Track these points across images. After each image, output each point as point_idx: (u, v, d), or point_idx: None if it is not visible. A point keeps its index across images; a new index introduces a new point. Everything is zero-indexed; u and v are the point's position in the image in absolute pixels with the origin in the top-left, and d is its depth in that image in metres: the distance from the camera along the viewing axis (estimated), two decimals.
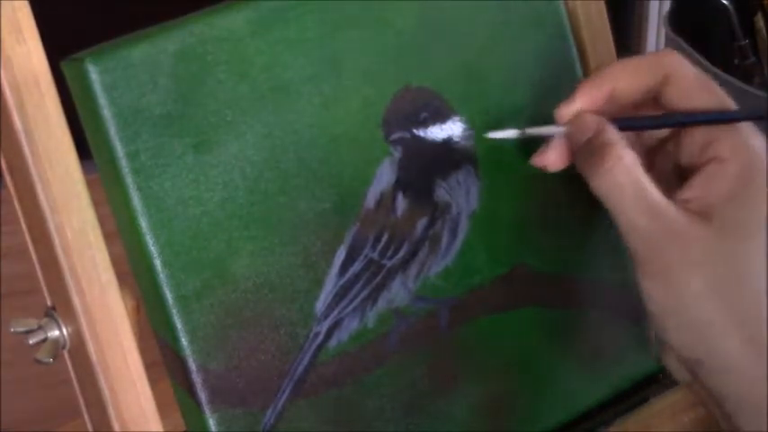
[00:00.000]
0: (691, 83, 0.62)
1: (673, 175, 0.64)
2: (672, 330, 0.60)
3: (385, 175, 0.65)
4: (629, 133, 0.63)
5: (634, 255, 0.60)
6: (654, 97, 0.63)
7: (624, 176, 0.59)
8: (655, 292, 0.60)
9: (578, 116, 0.62)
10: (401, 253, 0.65)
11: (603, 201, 0.60)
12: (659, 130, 0.64)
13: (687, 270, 0.58)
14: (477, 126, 0.67)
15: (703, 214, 0.59)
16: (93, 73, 0.58)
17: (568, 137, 0.62)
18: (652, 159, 0.65)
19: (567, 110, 0.63)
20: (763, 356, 0.58)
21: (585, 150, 0.61)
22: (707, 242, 0.58)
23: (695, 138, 0.62)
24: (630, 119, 0.63)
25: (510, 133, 0.65)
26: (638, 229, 0.59)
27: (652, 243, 0.59)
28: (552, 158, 0.63)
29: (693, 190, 0.60)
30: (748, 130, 0.61)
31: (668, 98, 0.62)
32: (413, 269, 0.66)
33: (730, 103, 0.62)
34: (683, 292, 0.59)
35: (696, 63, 0.98)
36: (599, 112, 0.62)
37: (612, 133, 0.60)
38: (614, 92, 0.63)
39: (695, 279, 0.58)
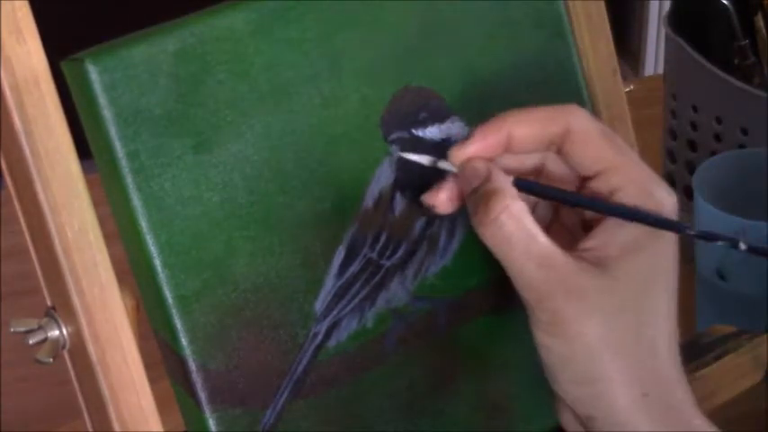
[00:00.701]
0: (591, 137, 0.60)
1: (578, 227, 0.62)
2: (565, 383, 0.59)
3: (384, 175, 0.65)
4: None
5: (526, 305, 0.59)
6: (556, 149, 0.61)
7: (512, 226, 0.57)
8: (548, 343, 0.58)
9: (469, 161, 0.60)
10: (399, 253, 0.65)
11: (492, 250, 0.58)
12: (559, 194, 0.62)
13: (580, 321, 0.57)
14: (476, 126, 0.67)
15: (600, 265, 0.58)
16: (93, 73, 0.58)
17: (461, 182, 0.61)
18: (557, 211, 0.64)
19: (460, 152, 0.61)
20: (658, 413, 0.57)
21: (474, 197, 0.59)
22: (601, 293, 0.57)
23: (599, 190, 0.60)
24: (530, 182, 0.61)
25: (423, 159, 0.63)
26: (528, 278, 0.58)
27: (543, 293, 0.57)
28: (442, 199, 0.61)
29: (593, 240, 0.59)
30: (653, 181, 0.60)
31: (568, 151, 0.60)
32: (411, 269, 0.66)
33: (629, 159, 0.60)
34: (576, 344, 0.57)
35: (696, 63, 0.98)
36: (493, 159, 0.61)
37: (500, 180, 0.59)
38: (512, 139, 0.60)
39: (589, 331, 0.57)
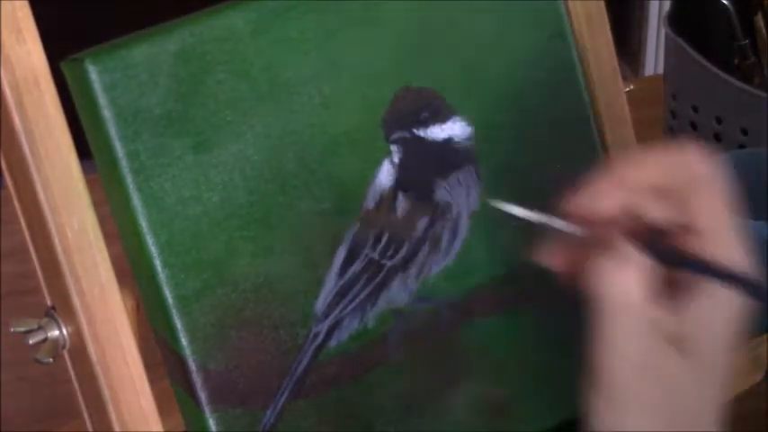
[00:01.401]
0: (716, 192, 0.57)
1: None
2: None
3: (385, 176, 0.65)
4: None
5: (598, 371, 0.56)
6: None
7: (621, 293, 0.54)
8: (602, 412, 0.56)
9: (600, 233, 0.56)
10: (401, 253, 0.65)
11: (597, 302, 0.55)
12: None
13: (642, 416, 0.55)
14: (478, 126, 0.67)
15: (679, 339, 0.55)
16: (93, 73, 0.58)
17: (582, 242, 0.57)
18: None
19: (582, 210, 0.56)
20: None
21: (598, 247, 0.56)
22: (663, 374, 0.55)
23: (696, 247, 0.57)
24: (657, 248, 0.56)
25: (516, 210, 0.60)
26: (619, 351, 0.55)
27: (625, 372, 0.55)
28: (563, 260, 0.58)
29: (685, 307, 0.56)
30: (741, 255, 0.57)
31: (688, 201, 0.57)
32: (413, 269, 0.66)
33: (742, 257, 0.57)
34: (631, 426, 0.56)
35: (696, 63, 0.98)
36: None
37: (624, 248, 0.55)
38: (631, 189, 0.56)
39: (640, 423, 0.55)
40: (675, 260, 0.57)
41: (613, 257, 0.55)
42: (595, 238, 0.56)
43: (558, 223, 0.58)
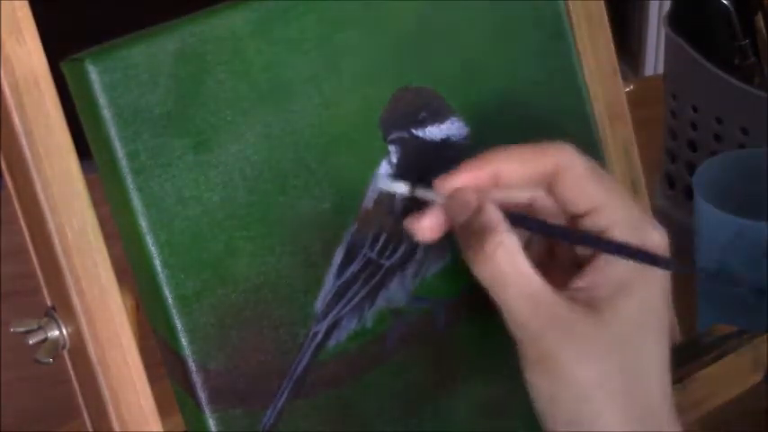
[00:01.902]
0: (580, 176, 0.59)
1: (571, 265, 0.61)
2: (556, 423, 0.58)
3: (383, 176, 0.65)
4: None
5: (518, 344, 0.58)
6: (546, 187, 0.60)
7: (506, 263, 0.57)
8: (537, 382, 0.58)
9: (458, 190, 0.59)
10: (399, 253, 0.65)
11: (484, 285, 0.58)
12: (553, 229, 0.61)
13: (570, 363, 0.57)
14: (476, 126, 0.67)
15: (591, 306, 0.57)
16: (93, 73, 0.58)
17: (448, 212, 0.59)
18: (551, 248, 0.63)
19: (447, 182, 0.60)
20: None
21: (466, 230, 0.58)
22: (592, 335, 0.57)
23: (589, 229, 0.60)
24: (524, 216, 0.60)
25: (400, 188, 0.62)
26: (519, 317, 0.57)
27: (533, 332, 0.57)
28: (424, 226, 0.60)
29: (584, 280, 0.59)
30: (643, 220, 0.60)
31: (558, 190, 0.60)
32: (411, 269, 0.66)
33: (619, 197, 0.60)
34: (565, 385, 0.57)
35: (696, 63, 0.98)
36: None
37: (493, 213, 0.58)
38: (499, 176, 0.60)
39: (579, 373, 0.57)
40: (543, 229, 0.60)
41: (479, 245, 0.57)
42: (462, 208, 0.58)
43: (425, 193, 0.61)
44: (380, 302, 0.65)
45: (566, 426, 0.58)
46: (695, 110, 1.00)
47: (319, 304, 0.64)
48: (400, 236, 0.65)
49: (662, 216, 0.79)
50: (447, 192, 0.60)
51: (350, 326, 0.64)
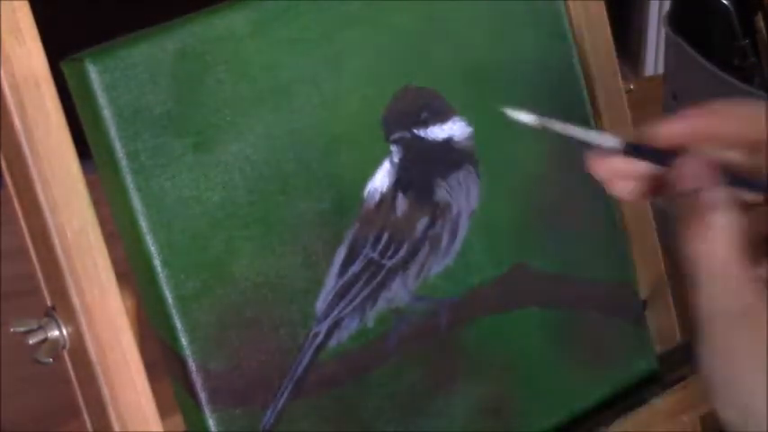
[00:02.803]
0: None
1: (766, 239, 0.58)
2: (733, 407, 0.56)
3: (385, 175, 0.65)
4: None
5: (699, 324, 0.55)
6: (750, 150, 0.56)
7: (720, 248, 0.53)
8: (708, 360, 0.55)
9: (688, 160, 0.55)
10: (401, 253, 0.65)
11: (689, 262, 0.54)
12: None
13: (751, 360, 0.54)
14: (478, 126, 0.67)
15: None
16: (93, 73, 0.58)
17: (672, 177, 0.55)
18: (748, 214, 0.57)
19: (664, 128, 0.55)
20: None
21: (687, 203, 0.54)
22: None
23: None
24: (742, 178, 0.55)
25: (529, 118, 0.57)
26: (709, 297, 0.54)
27: (722, 322, 0.55)
28: (631, 187, 0.56)
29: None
30: None
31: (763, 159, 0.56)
32: (413, 269, 0.66)
33: None
34: (742, 371, 0.55)
35: (696, 63, 0.98)
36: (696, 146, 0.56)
37: (719, 194, 0.54)
38: (715, 133, 0.56)
39: (749, 364, 0.54)
40: (757, 184, 0.55)
41: (699, 220, 0.53)
42: (690, 179, 0.54)
43: (597, 138, 0.56)
44: (382, 303, 0.65)
45: (737, 414, 0.56)
46: None
47: (320, 304, 0.64)
48: (402, 236, 0.65)
49: (662, 216, 0.79)
50: (661, 137, 0.55)
51: (351, 326, 0.64)
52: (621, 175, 0.56)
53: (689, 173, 0.55)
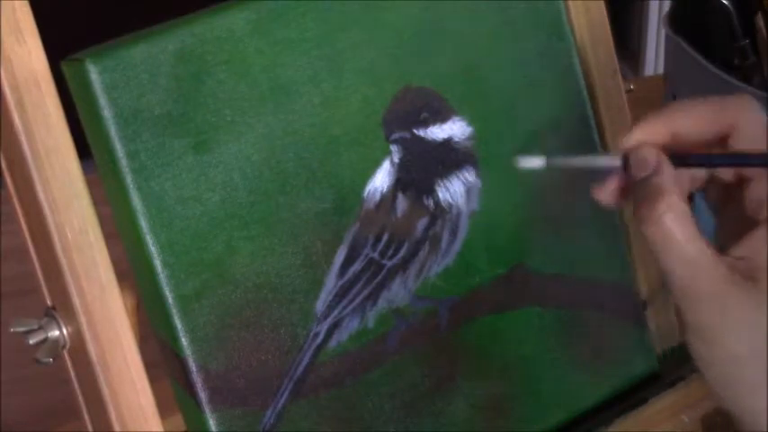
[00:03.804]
0: (759, 137, 0.59)
1: (740, 222, 0.61)
2: (717, 386, 0.58)
3: (385, 175, 0.65)
4: (702, 172, 0.61)
5: (677, 308, 0.59)
6: (719, 142, 0.60)
7: (673, 228, 0.56)
8: (697, 347, 0.58)
9: (639, 148, 0.58)
10: (401, 253, 0.65)
11: (649, 245, 0.58)
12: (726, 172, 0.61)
13: (723, 332, 0.57)
14: (478, 125, 0.67)
15: (751, 277, 0.57)
16: (93, 73, 0.58)
17: (630, 168, 0.59)
18: (725, 200, 0.62)
19: (629, 139, 0.59)
20: None
21: (640, 189, 0.58)
22: (748, 307, 0.56)
23: (756, 192, 0.59)
24: (688, 155, 0.59)
25: (536, 163, 0.60)
26: (678, 282, 0.57)
27: (691, 298, 0.57)
28: (608, 190, 0.60)
29: (745, 248, 0.58)
30: None
31: (734, 146, 0.59)
32: (413, 269, 0.66)
33: None
34: (718, 352, 0.57)
35: (696, 63, 0.98)
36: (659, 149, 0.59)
37: (667, 175, 0.58)
38: (676, 133, 0.59)
39: (731, 342, 0.57)
40: (713, 160, 0.59)
41: (648, 204, 0.57)
42: (640, 166, 0.58)
43: (598, 161, 0.61)
44: (382, 303, 0.65)
45: (722, 390, 0.58)
46: None
47: (320, 304, 0.64)
48: (403, 236, 0.65)
49: None
50: (626, 148, 0.59)
51: (351, 326, 0.64)
52: (617, 191, 0.60)
53: (637, 161, 0.58)
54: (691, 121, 0.59)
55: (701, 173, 0.61)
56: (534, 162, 0.60)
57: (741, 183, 0.60)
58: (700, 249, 0.57)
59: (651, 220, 0.57)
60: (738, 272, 0.57)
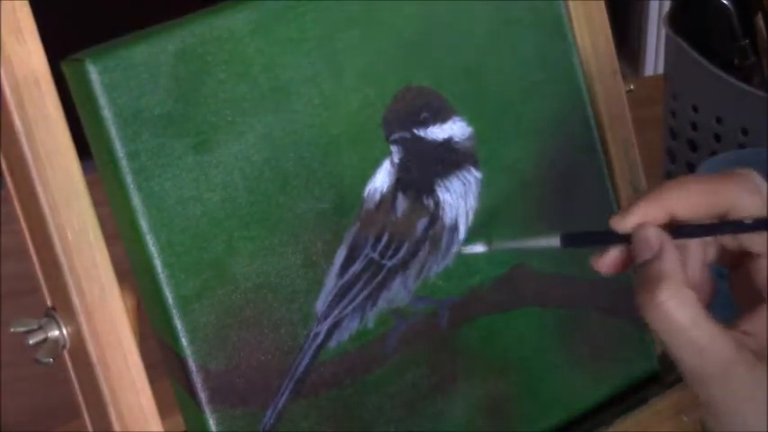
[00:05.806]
0: (757, 212, 0.58)
1: (750, 290, 0.60)
2: None
3: (385, 175, 0.65)
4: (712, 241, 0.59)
5: (687, 384, 0.58)
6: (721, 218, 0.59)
7: (677, 315, 0.56)
8: (708, 421, 0.58)
9: (641, 229, 0.57)
10: (401, 253, 0.65)
11: (653, 330, 0.57)
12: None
13: (734, 410, 0.57)
14: (477, 126, 0.67)
15: (760, 354, 0.57)
16: (93, 73, 0.58)
17: (632, 249, 0.58)
18: (734, 266, 0.61)
19: (622, 222, 0.58)
20: None
21: (641, 273, 0.57)
22: (757, 385, 0.56)
23: (761, 272, 0.59)
24: (685, 226, 0.58)
25: (479, 249, 0.62)
26: (686, 366, 0.57)
27: (700, 379, 0.57)
28: (609, 261, 0.59)
29: (755, 323, 0.58)
30: None
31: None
32: (413, 269, 0.66)
33: None
34: (731, 429, 0.57)
35: (696, 63, 0.98)
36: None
37: (671, 260, 0.57)
38: (674, 212, 0.58)
39: (742, 420, 0.57)
40: (709, 230, 0.58)
41: (662, 273, 0.56)
42: (643, 249, 0.57)
43: (539, 242, 0.60)
44: (382, 303, 0.65)
45: None
46: (695, 110, 1.00)
47: (320, 305, 0.64)
48: (403, 236, 0.65)
49: None
50: (625, 229, 0.58)
51: (351, 326, 0.64)
52: (619, 265, 0.59)
53: (640, 243, 0.57)
54: (686, 203, 0.58)
55: (711, 242, 0.59)
56: (476, 248, 0.61)
57: (745, 255, 0.59)
58: (705, 333, 0.56)
59: (653, 304, 0.56)
60: (747, 348, 0.57)
